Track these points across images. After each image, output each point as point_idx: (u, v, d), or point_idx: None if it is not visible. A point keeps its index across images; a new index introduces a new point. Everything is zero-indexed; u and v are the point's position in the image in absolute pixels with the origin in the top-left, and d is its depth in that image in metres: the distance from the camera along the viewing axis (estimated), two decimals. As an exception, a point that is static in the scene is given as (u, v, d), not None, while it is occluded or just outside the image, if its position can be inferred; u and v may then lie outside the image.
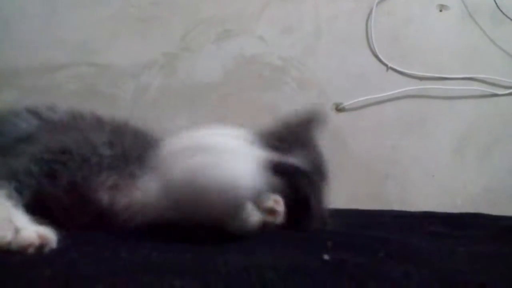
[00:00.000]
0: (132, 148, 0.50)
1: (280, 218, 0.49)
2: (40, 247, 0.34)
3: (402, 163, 1.28)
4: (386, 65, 1.28)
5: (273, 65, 1.21)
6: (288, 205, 0.50)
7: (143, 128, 0.58)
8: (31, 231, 0.35)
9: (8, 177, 0.41)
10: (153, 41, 1.14)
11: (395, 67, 1.28)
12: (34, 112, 0.51)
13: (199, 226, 0.42)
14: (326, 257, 0.38)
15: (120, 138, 0.51)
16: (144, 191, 0.47)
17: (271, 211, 0.48)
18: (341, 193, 1.21)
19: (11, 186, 0.41)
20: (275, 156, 0.49)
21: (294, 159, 0.53)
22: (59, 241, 0.36)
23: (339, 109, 1.26)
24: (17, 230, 0.34)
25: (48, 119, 0.50)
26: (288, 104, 1.19)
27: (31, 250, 0.34)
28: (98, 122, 0.54)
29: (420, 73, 1.29)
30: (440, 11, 1.31)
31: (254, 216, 0.46)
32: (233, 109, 1.17)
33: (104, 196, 0.45)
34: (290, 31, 1.23)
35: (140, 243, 0.37)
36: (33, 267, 0.28)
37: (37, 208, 0.41)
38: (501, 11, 1.30)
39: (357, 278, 0.32)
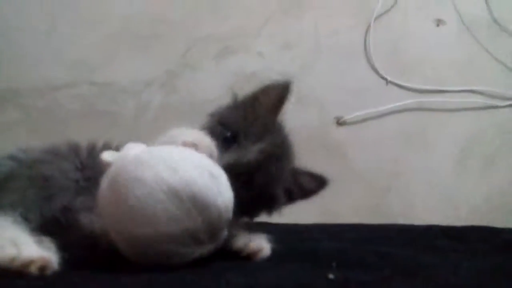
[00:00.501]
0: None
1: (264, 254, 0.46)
2: (42, 269, 0.34)
3: (404, 176, 1.28)
4: (385, 79, 1.28)
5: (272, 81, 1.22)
6: (249, 199, 0.48)
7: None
8: (33, 250, 0.36)
9: (13, 206, 0.42)
10: (153, 59, 1.15)
11: (394, 80, 1.29)
12: (10, 157, 0.52)
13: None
14: (331, 276, 0.38)
15: (93, 161, 0.52)
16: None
17: (254, 253, 0.45)
18: (343, 207, 1.21)
19: (16, 213, 0.42)
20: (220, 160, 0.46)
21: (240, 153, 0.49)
22: (61, 265, 0.36)
23: (340, 123, 1.26)
24: (19, 249, 0.35)
25: (23, 159, 0.52)
26: (288, 120, 1.19)
27: (33, 269, 0.34)
28: (73, 150, 0.55)
29: (420, 86, 1.30)
30: (437, 25, 1.32)
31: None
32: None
33: (84, 219, 0.46)
34: (290, 47, 1.24)
35: (139, 266, 0.37)
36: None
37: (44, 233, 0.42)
38: (497, 23, 1.32)
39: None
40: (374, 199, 1.25)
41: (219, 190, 0.40)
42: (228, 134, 0.51)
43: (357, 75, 1.28)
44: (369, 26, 1.27)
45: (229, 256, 0.44)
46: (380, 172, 1.26)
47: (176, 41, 1.17)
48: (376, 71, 1.29)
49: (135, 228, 0.37)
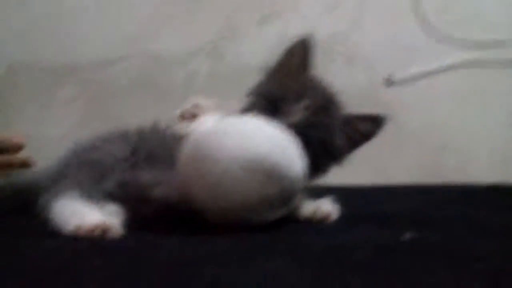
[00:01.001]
0: (164, 145, 0.55)
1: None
2: (104, 232, 0.38)
3: (459, 134, 1.23)
4: (437, 34, 1.22)
5: (318, 43, 1.19)
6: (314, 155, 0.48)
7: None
8: (95, 217, 0.40)
9: (71, 189, 0.47)
10: (199, 28, 1.15)
11: (447, 36, 1.21)
12: (68, 149, 0.58)
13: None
14: (406, 236, 0.38)
15: (146, 139, 0.57)
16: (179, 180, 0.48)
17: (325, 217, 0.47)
18: (397, 169, 1.19)
19: (78, 191, 0.46)
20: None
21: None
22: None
23: (388, 83, 1.22)
24: (83, 217, 0.39)
25: (76, 149, 0.57)
26: (335, 82, 1.17)
27: (97, 233, 0.38)
28: (122, 135, 0.59)
29: (476, 40, 1.22)
30: (495, -27, 1.22)
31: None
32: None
33: (156, 192, 0.50)
34: (334, 6, 1.20)
35: (215, 231, 0.38)
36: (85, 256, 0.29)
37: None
38: None
39: (446, 256, 0.32)
40: (428, 159, 1.22)
41: (292, 161, 0.41)
42: (269, 104, 0.52)
43: (407, 31, 1.22)
44: (420, -23, 1.20)
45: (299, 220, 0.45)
46: (433, 131, 1.22)
47: (220, 9, 1.16)
48: (427, 25, 1.22)
49: (218, 196, 0.40)
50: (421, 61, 1.21)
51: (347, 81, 1.16)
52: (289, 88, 0.54)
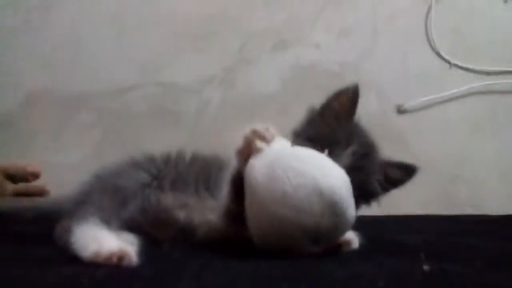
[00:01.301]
0: (189, 172, 0.58)
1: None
2: (120, 259, 0.38)
3: (471, 164, 1.22)
4: (448, 62, 1.23)
5: (330, 71, 1.21)
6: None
7: (206, 153, 0.64)
8: (113, 244, 0.40)
9: (92, 214, 0.48)
10: (212, 56, 1.17)
11: (458, 63, 1.22)
12: (92, 175, 0.59)
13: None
14: (425, 267, 0.37)
15: (172, 165, 0.60)
16: (215, 210, 0.51)
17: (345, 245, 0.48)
18: (408, 199, 1.17)
19: (96, 219, 0.47)
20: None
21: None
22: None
23: (400, 110, 1.22)
24: (101, 244, 0.40)
25: (101, 174, 0.59)
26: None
27: (114, 260, 0.38)
28: (149, 160, 0.61)
29: (486, 68, 1.23)
30: (505, 1, 1.24)
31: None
32: (292, 119, 1.17)
33: (180, 215, 0.52)
34: (347, 35, 1.22)
35: (235, 255, 0.38)
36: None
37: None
38: None
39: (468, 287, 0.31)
40: (440, 189, 1.20)
41: (350, 203, 0.44)
42: (319, 147, 0.53)
43: (418, 59, 1.23)
44: (430, 7, 1.22)
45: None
46: (445, 160, 1.21)
47: (232, 37, 1.19)
48: (438, 54, 1.23)
49: (280, 209, 0.41)
50: (433, 89, 1.21)
51: (359, 109, 1.18)
52: (338, 134, 0.57)
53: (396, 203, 1.13)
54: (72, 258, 0.39)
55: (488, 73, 1.23)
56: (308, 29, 1.21)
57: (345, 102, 0.62)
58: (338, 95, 0.62)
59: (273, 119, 1.22)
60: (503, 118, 1.23)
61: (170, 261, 0.37)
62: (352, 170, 0.50)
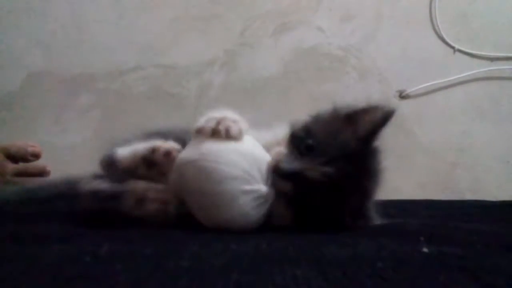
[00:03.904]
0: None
1: None
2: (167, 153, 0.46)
3: (472, 150, 1.21)
4: (452, 47, 1.21)
5: (332, 55, 1.20)
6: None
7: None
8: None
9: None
10: (213, 39, 1.16)
11: (462, 48, 1.21)
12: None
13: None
14: (425, 249, 0.37)
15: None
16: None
17: None
18: (409, 183, 1.18)
19: None
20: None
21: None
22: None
23: (402, 96, 1.22)
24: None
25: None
26: (349, 94, 1.17)
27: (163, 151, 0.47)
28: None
29: (491, 54, 1.21)
30: (512, -15, 1.22)
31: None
32: (293, 102, 1.17)
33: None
34: (349, 19, 1.21)
35: (235, 236, 0.38)
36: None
37: None
38: None
39: (467, 270, 0.31)
40: (440, 175, 1.21)
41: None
42: (310, 141, 0.49)
43: (422, 44, 1.22)
44: (434, -9, 1.20)
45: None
46: (447, 146, 1.21)
47: (234, 20, 1.17)
48: (442, 39, 1.22)
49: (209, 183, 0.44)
50: (436, 74, 1.20)
51: (360, 94, 1.17)
52: (332, 144, 0.49)
53: (397, 187, 1.14)
54: (73, 236, 0.39)
55: (491, 59, 1.22)
56: (310, 12, 1.20)
57: (367, 121, 0.50)
58: (365, 109, 0.51)
59: (274, 102, 1.23)
60: (506, 104, 1.22)
61: (170, 241, 0.37)
62: (315, 187, 0.46)
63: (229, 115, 0.49)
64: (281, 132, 0.54)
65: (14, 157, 0.78)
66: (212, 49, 1.16)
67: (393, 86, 1.21)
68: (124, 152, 0.49)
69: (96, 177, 0.53)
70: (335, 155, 0.48)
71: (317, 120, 0.54)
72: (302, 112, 1.14)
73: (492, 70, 1.21)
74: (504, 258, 0.39)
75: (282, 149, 0.50)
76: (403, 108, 1.20)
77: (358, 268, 0.28)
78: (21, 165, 0.79)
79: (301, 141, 0.50)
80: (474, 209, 0.78)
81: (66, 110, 1.11)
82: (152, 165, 0.48)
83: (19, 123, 1.09)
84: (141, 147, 0.48)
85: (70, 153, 1.07)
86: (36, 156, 0.79)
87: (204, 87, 1.15)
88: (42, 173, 0.79)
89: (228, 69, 1.16)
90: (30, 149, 0.78)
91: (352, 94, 1.17)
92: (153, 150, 0.48)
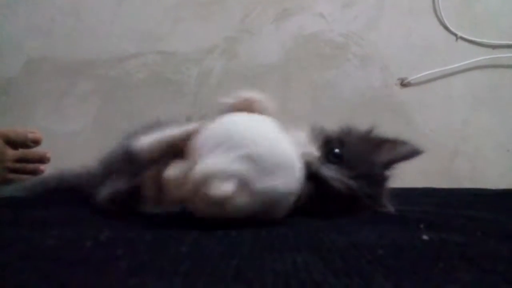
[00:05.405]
0: None
1: None
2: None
3: (473, 139, 1.21)
4: (455, 34, 1.20)
5: (333, 42, 1.19)
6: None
7: None
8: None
9: None
10: (213, 26, 1.15)
11: (465, 36, 1.20)
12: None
13: None
14: (425, 237, 0.37)
15: None
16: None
17: None
18: (409, 171, 1.18)
19: None
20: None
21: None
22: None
23: (404, 84, 1.21)
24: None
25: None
26: (350, 82, 1.17)
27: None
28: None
29: (493, 41, 1.20)
30: (516, -28, 1.20)
31: None
32: (294, 89, 1.16)
33: None
34: (351, 5, 1.19)
35: (235, 225, 0.38)
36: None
37: None
38: None
39: (467, 257, 0.31)
40: (441, 163, 1.21)
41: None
42: (341, 152, 0.50)
43: (424, 31, 1.21)
44: (438, -23, 1.19)
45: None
46: (448, 134, 1.21)
47: (235, 7, 1.16)
48: (445, 26, 1.21)
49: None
50: (438, 62, 1.20)
51: (361, 81, 1.17)
52: (359, 162, 0.51)
53: (397, 175, 1.14)
54: (74, 221, 0.39)
55: (493, 47, 1.21)
56: (312, -2, 1.18)
57: (395, 152, 0.55)
58: (402, 144, 0.56)
59: (274, 89, 1.22)
60: (507, 92, 1.22)
61: (170, 228, 0.37)
62: (333, 195, 0.47)
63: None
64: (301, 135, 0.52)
65: (14, 143, 0.77)
66: (213, 36, 1.15)
67: (395, 74, 1.21)
68: (146, 142, 0.45)
69: (97, 176, 0.52)
70: (361, 173, 0.49)
71: (350, 134, 0.55)
72: (302, 99, 1.14)
73: (494, 58, 1.21)
74: (504, 245, 0.39)
75: (313, 150, 0.49)
76: (404, 96, 1.20)
77: (358, 255, 0.28)
78: (20, 151, 0.79)
79: (332, 149, 0.50)
80: (474, 197, 0.78)
81: (66, 97, 1.11)
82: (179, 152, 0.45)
83: (18, 109, 1.09)
84: (167, 134, 0.44)
85: (69, 140, 1.07)
86: (36, 142, 0.78)
87: (204, 74, 1.15)
88: (42, 159, 0.79)
89: (228, 56, 1.15)
90: (30, 135, 0.77)
91: (353, 81, 1.17)
92: (187, 134, 0.42)
